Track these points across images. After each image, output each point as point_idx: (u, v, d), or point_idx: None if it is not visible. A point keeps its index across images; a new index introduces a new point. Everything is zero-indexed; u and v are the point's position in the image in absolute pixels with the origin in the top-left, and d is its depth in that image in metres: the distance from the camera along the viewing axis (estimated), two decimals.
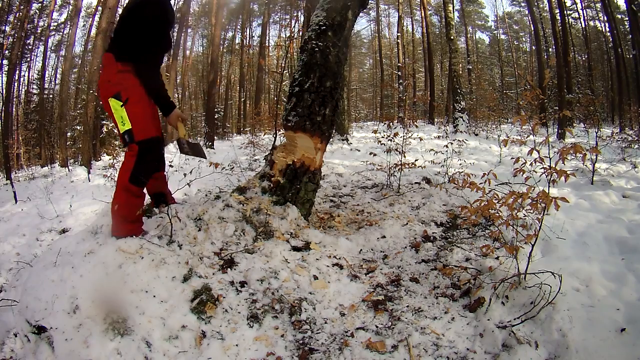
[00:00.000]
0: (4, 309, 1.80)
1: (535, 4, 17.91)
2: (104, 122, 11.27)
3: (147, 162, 1.94)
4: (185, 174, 2.51)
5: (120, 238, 1.87)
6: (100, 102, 10.49)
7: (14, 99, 16.40)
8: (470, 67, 15.50)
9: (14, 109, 16.47)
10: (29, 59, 18.25)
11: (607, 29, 16.70)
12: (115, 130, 2.08)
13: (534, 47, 20.98)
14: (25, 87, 19.27)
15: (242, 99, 22.34)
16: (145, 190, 2.11)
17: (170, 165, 3.06)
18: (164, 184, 2.32)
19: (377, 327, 1.72)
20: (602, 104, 11.96)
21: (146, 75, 1.94)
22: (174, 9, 2.12)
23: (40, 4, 15.08)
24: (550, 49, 17.17)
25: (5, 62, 13.30)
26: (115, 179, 5.72)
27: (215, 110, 14.46)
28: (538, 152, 1.80)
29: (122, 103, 1.87)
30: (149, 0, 1.89)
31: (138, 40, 1.88)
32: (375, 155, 4.21)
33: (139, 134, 1.89)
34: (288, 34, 21.19)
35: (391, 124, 4.46)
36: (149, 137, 1.93)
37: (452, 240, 2.56)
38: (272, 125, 8.05)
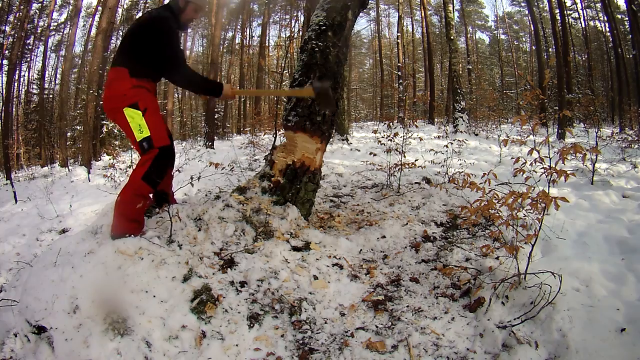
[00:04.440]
0: (4, 309, 1.79)
1: (535, 4, 17.90)
2: (104, 122, 11.28)
3: (162, 166, 2.01)
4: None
5: (117, 236, 1.87)
6: (102, 103, 10.52)
7: (14, 99, 16.40)
8: (470, 67, 15.50)
9: (14, 109, 16.47)
10: (29, 59, 18.25)
11: (607, 29, 16.71)
12: (129, 140, 2.14)
13: (534, 47, 20.98)
14: (25, 87, 19.27)
15: (242, 99, 22.33)
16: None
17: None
18: (169, 183, 2.34)
19: (377, 327, 1.72)
20: (602, 104, 11.95)
21: (187, 82, 2.15)
22: None
23: (40, 4, 15.08)
24: (550, 49, 17.18)
25: (5, 62, 13.29)
26: (116, 178, 5.77)
27: (215, 110, 14.45)
28: (538, 152, 1.80)
29: (141, 112, 1.94)
30: (161, 16, 1.99)
31: (159, 55, 1.96)
32: (375, 155, 4.21)
33: (158, 141, 1.96)
34: (288, 34, 21.20)
35: (391, 124, 4.47)
36: (168, 144, 2.02)
37: (452, 240, 2.56)
38: (272, 125, 8.05)
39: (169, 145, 2.04)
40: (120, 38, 2.29)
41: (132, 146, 2.10)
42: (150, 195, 2.11)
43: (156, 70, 2.05)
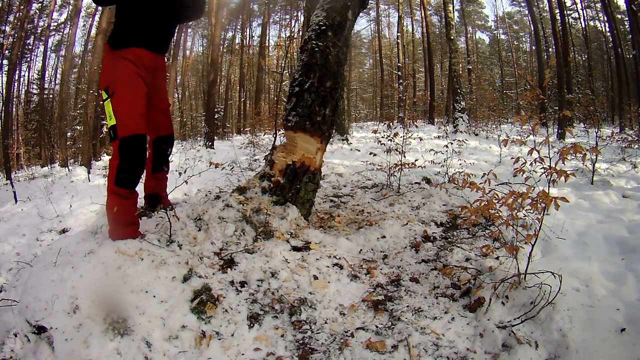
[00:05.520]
0: (4, 309, 1.80)
1: (535, 4, 17.90)
2: (104, 122, 11.28)
3: (131, 162, 1.81)
4: (179, 173, 2.51)
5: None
6: (101, 102, 10.52)
7: (14, 99, 16.39)
8: (470, 67, 15.48)
9: (14, 109, 16.46)
10: (29, 59, 18.23)
11: (607, 29, 16.70)
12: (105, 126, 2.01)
13: (534, 47, 20.97)
14: (25, 87, 19.25)
15: (242, 99, 22.34)
16: (143, 190, 2.07)
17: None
18: (163, 186, 2.29)
19: (377, 327, 1.72)
20: (602, 104, 11.95)
21: None
22: None
23: (40, 4, 15.07)
24: (550, 49, 17.17)
25: (5, 62, 13.30)
26: None
27: (215, 110, 14.45)
28: (538, 152, 1.80)
29: (108, 96, 1.76)
30: None
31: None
32: (375, 155, 4.21)
33: (123, 130, 1.76)
34: (288, 34, 21.19)
35: (391, 124, 4.47)
36: (131, 134, 1.77)
37: (452, 240, 2.56)
38: (272, 125, 8.05)
39: (135, 135, 1.77)
40: None
41: None
42: (138, 191, 1.96)
43: (139, 29, 1.83)
